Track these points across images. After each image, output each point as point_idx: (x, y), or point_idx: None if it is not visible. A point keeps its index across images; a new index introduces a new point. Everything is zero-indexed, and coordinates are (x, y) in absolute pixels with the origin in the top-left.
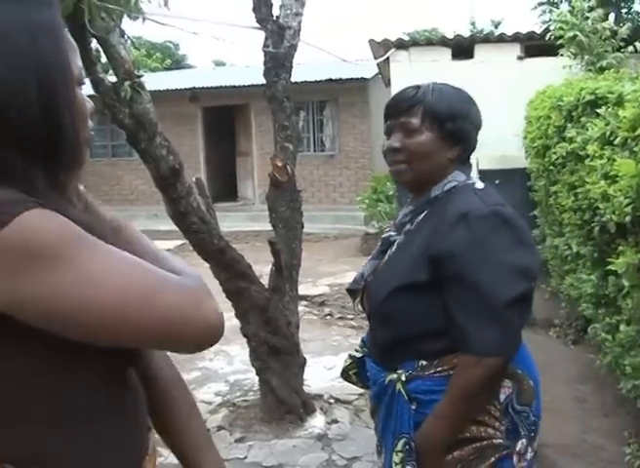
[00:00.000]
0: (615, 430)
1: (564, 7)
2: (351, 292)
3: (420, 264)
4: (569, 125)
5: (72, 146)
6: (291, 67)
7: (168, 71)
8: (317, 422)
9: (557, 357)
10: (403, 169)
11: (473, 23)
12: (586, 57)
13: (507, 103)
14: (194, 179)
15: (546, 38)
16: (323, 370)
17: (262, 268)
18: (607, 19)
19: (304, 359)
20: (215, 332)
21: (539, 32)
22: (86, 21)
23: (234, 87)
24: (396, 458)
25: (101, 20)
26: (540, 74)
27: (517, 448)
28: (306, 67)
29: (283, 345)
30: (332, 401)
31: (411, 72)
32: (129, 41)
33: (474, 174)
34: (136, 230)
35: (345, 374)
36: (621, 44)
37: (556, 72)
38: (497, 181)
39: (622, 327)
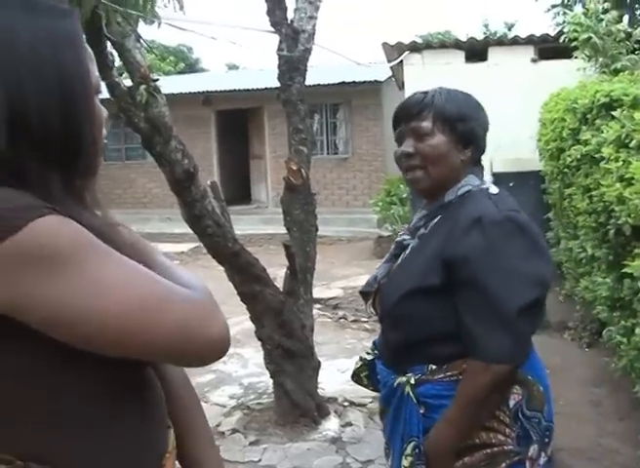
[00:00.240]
0: (630, 433)
1: (578, 9)
2: (364, 294)
3: (433, 268)
4: (583, 127)
5: (89, 153)
6: (305, 71)
7: (181, 75)
8: (331, 425)
9: (572, 360)
10: (419, 176)
11: (486, 26)
12: (601, 59)
13: (521, 106)
14: (209, 183)
15: (560, 40)
16: (337, 372)
17: (276, 271)
18: (621, 21)
19: (319, 362)
20: (219, 347)
21: (552, 34)
22: (103, 26)
23: (248, 90)
24: (405, 462)
25: (117, 25)
26: (554, 77)
27: (529, 454)
28: (319, 70)
29: (297, 348)
30: (346, 404)
31: (424, 75)
32: (144, 45)
33: (488, 177)
34: (146, 242)
35: (356, 377)
36: (636, 46)
37: (570, 75)
38: (511, 184)
39: (638, 330)
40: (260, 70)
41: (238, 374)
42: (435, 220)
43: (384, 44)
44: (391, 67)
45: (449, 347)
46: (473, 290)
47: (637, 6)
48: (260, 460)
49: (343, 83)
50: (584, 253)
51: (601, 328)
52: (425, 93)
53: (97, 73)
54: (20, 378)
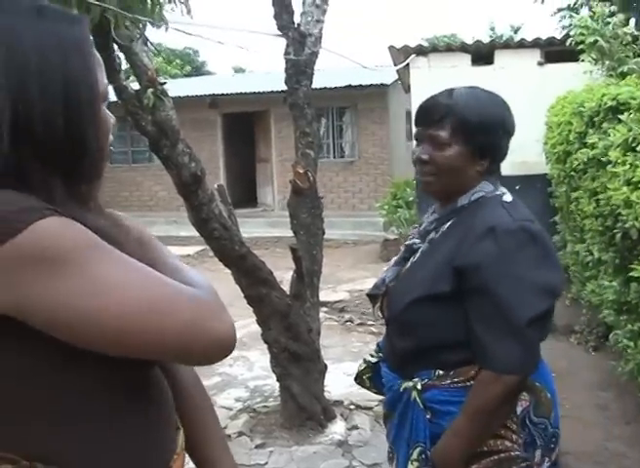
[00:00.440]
0: (637, 437)
1: (584, 12)
2: (372, 296)
3: (444, 275)
4: (590, 131)
5: (94, 159)
6: (312, 74)
7: (188, 78)
8: (337, 428)
9: (578, 364)
10: (431, 180)
11: (493, 29)
12: (607, 62)
13: (528, 109)
14: (216, 186)
15: (567, 44)
16: (343, 376)
17: (283, 274)
18: (628, 25)
19: (325, 365)
20: (225, 346)
21: (559, 38)
22: (112, 30)
23: (254, 93)
24: (412, 467)
25: (125, 29)
26: (560, 80)
27: (536, 460)
28: (326, 73)
29: (304, 351)
30: (352, 407)
31: (430, 78)
32: (151, 48)
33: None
34: (156, 242)
35: (359, 379)
36: None
37: (577, 78)
38: (517, 187)
39: None
40: (266, 73)
41: (244, 377)
42: (447, 225)
43: (391, 47)
44: (398, 70)
45: (457, 354)
46: (484, 298)
47: None
48: (266, 463)
49: (350, 86)
50: (591, 256)
51: (607, 331)
52: (450, 95)
53: (105, 80)
54: (22, 378)
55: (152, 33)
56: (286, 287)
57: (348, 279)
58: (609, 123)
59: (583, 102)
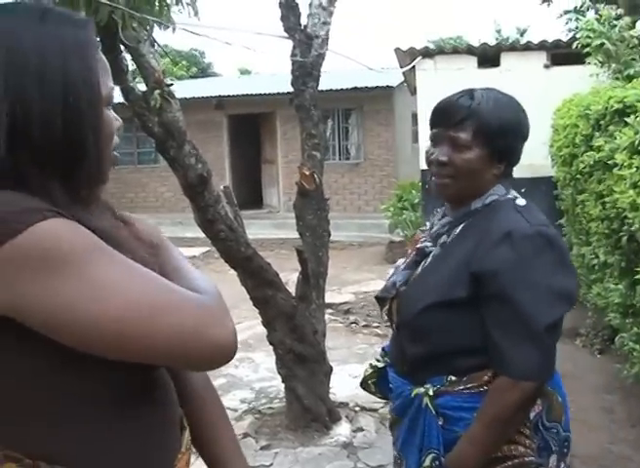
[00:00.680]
0: None
1: (591, 15)
2: (380, 300)
3: (459, 280)
4: (596, 133)
5: (93, 165)
6: (318, 76)
7: (194, 79)
8: (343, 430)
9: (583, 366)
10: (447, 183)
11: (499, 31)
12: (613, 65)
13: (534, 112)
14: (222, 188)
15: (573, 46)
16: (348, 378)
17: (288, 276)
18: (634, 28)
19: (330, 367)
20: (225, 352)
21: (565, 40)
22: (119, 31)
23: (260, 95)
24: None
25: (133, 30)
26: (566, 82)
27: (550, 465)
28: (332, 75)
29: (309, 353)
30: (357, 409)
31: (436, 80)
32: (158, 50)
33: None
34: (168, 244)
35: (364, 384)
36: None
37: (583, 80)
38: (523, 190)
39: None
40: (271, 75)
41: (249, 379)
42: (459, 228)
43: (397, 49)
44: (404, 73)
45: (470, 359)
46: (502, 304)
47: None
48: (271, 465)
49: (356, 88)
50: (597, 259)
51: (613, 334)
52: (471, 97)
53: (110, 84)
54: (21, 378)
55: (158, 34)
56: (291, 288)
57: (354, 281)
58: (615, 126)
59: (590, 105)
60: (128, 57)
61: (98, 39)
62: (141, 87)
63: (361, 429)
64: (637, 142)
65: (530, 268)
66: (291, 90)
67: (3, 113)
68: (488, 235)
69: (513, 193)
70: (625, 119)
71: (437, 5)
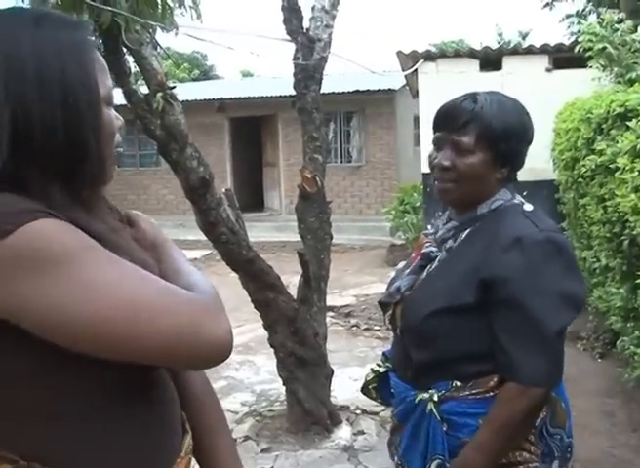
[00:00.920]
0: None
1: (593, 18)
2: (383, 305)
3: (467, 286)
4: (598, 137)
5: (94, 166)
6: (321, 79)
7: (196, 82)
8: (343, 433)
9: (584, 370)
10: (450, 187)
11: (500, 34)
12: (615, 69)
13: (536, 115)
14: (224, 191)
15: (575, 50)
16: (349, 381)
17: (289, 279)
18: (636, 31)
19: (331, 370)
20: (220, 350)
21: (567, 44)
22: (122, 34)
23: (262, 98)
24: None
25: (135, 33)
26: (568, 86)
27: None
28: (334, 78)
29: (310, 356)
30: (358, 412)
31: (438, 84)
32: (160, 52)
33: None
34: (170, 245)
35: (365, 389)
36: None
37: (585, 84)
38: (524, 193)
39: None
40: (273, 78)
41: (250, 381)
42: (465, 233)
43: (399, 52)
44: (405, 76)
45: (476, 365)
46: (512, 310)
47: None
48: None
49: (358, 91)
50: (598, 263)
51: (614, 338)
52: (475, 100)
53: (109, 83)
54: (17, 378)
55: (160, 37)
56: (292, 291)
57: (355, 284)
58: (617, 130)
59: (592, 109)
60: (130, 59)
61: (99, 41)
62: (144, 89)
63: (362, 432)
64: (639, 146)
65: (540, 274)
66: (293, 92)
67: (5, 119)
68: (497, 240)
69: (519, 198)
70: (627, 123)
71: (439, 8)
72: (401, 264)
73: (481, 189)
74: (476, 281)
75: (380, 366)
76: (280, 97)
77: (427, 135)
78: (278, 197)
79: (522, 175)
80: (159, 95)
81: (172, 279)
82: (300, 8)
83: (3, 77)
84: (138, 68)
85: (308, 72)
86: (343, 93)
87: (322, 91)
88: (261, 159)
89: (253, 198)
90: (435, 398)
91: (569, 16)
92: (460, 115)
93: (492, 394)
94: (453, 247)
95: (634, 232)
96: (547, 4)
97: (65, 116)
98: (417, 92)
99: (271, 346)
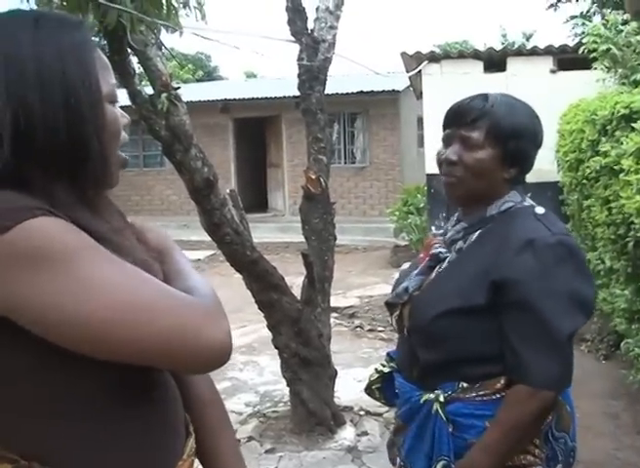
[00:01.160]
0: None
1: (597, 20)
2: (390, 305)
3: (478, 287)
4: (603, 139)
5: (97, 165)
6: (325, 80)
7: (200, 83)
8: (347, 434)
9: (588, 372)
10: (456, 182)
11: (504, 36)
12: (620, 70)
13: (540, 117)
14: (228, 191)
15: (579, 51)
16: (353, 381)
17: (293, 279)
18: None
19: (335, 371)
20: (219, 354)
21: (571, 45)
22: (128, 34)
23: (266, 98)
24: None
25: (140, 34)
26: (573, 88)
27: None
28: (338, 79)
29: (314, 357)
30: (362, 413)
31: (442, 85)
32: (165, 53)
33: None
34: (175, 250)
35: (369, 389)
36: None
37: (589, 86)
38: (528, 194)
39: None
40: (277, 79)
41: (254, 382)
42: (475, 235)
43: (403, 54)
44: (409, 77)
45: (484, 367)
46: (524, 313)
47: None
48: None
49: (362, 92)
50: (603, 264)
51: (619, 340)
52: (485, 99)
53: (112, 81)
54: (16, 377)
55: (165, 38)
56: (296, 292)
57: (359, 285)
58: (622, 131)
59: (596, 110)
60: (135, 60)
61: (104, 42)
62: (148, 90)
63: (365, 433)
64: None
65: (552, 277)
66: (297, 93)
67: (6, 120)
68: (508, 243)
69: (529, 201)
70: (632, 124)
71: (443, 9)
72: (405, 265)
73: (488, 187)
74: (487, 282)
75: (384, 366)
76: (284, 97)
77: (431, 135)
78: (282, 198)
79: (526, 177)
80: (164, 95)
81: (172, 281)
82: (304, 9)
83: (4, 78)
84: (142, 69)
85: (313, 73)
86: (347, 94)
87: (326, 92)
88: (265, 160)
89: (256, 199)
90: (441, 399)
91: (573, 17)
92: (470, 112)
93: (499, 396)
94: (463, 248)
95: (639, 234)
96: (552, 5)
97: (67, 116)
98: (421, 93)
99: (275, 347)
